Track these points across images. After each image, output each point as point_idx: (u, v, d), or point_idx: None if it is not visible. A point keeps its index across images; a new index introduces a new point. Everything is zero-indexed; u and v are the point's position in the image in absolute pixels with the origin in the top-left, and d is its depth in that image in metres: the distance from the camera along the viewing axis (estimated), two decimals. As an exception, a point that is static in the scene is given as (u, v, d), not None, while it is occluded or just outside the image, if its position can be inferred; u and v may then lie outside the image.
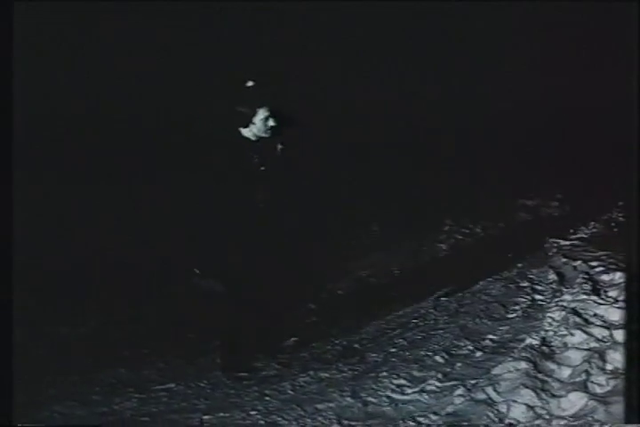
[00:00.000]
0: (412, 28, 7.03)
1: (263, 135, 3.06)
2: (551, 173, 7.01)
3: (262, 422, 3.28)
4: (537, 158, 7.08)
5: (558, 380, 3.04)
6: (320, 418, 3.27)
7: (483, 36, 7.21)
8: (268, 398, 3.58)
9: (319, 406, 3.39)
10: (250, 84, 3.49)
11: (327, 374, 3.79)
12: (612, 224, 5.89)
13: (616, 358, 3.04)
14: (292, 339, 4.29)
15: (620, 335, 3.23)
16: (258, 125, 3.03)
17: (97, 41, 6.07)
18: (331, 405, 3.40)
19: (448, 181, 7.06)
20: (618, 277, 4.04)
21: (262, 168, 3.35)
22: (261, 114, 3.04)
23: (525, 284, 4.55)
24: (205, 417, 3.38)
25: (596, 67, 6.61)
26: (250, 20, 6.40)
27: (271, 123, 3.08)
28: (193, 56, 6.24)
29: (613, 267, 4.30)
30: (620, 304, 3.59)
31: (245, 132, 3.00)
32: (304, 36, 6.59)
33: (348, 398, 3.42)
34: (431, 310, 4.74)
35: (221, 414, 3.42)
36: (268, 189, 3.57)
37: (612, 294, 3.83)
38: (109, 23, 5.98)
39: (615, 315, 3.48)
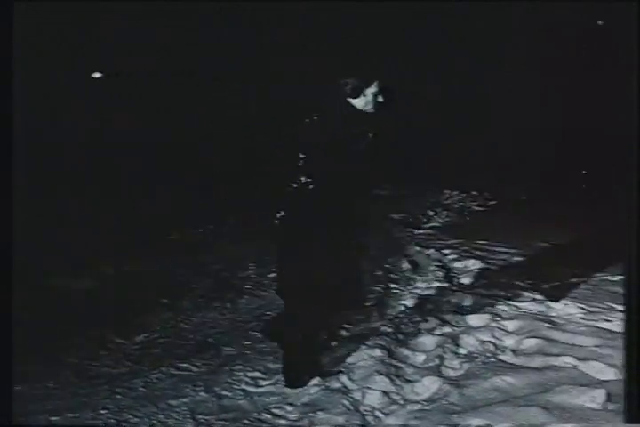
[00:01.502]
0: (411, 28, 7.04)
1: (369, 109, 2.97)
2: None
3: (113, 420, 3.20)
4: (536, 158, 7.09)
5: (412, 365, 3.07)
6: (173, 414, 3.20)
7: (483, 36, 7.23)
8: (119, 397, 3.46)
9: (172, 402, 3.31)
10: (97, 75, 3.27)
11: (180, 370, 3.74)
12: (465, 213, 6.04)
13: (469, 343, 3.10)
14: (142, 335, 4.19)
15: (472, 320, 3.29)
16: (368, 97, 2.94)
17: (97, 41, 6.07)
18: (184, 400, 3.31)
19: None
20: (471, 264, 4.26)
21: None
22: (374, 87, 2.95)
23: (380, 273, 4.55)
24: (53, 418, 3.28)
25: (596, 67, 6.61)
26: (250, 20, 6.41)
27: (380, 99, 2.99)
28: (193, 56, 6.25)
29: (466, 255, 4.54)
30: (473, 290, 3.72)
31: (355, 102, 2.91)
32: (304, 36, 6.60)
33: (202, 393, 3.36)
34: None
35: (70, 415, 3.30)
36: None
37: (465, 280, 4.02)
38: (109, 23, 5.98)
39: (467, 301, 3.58)
